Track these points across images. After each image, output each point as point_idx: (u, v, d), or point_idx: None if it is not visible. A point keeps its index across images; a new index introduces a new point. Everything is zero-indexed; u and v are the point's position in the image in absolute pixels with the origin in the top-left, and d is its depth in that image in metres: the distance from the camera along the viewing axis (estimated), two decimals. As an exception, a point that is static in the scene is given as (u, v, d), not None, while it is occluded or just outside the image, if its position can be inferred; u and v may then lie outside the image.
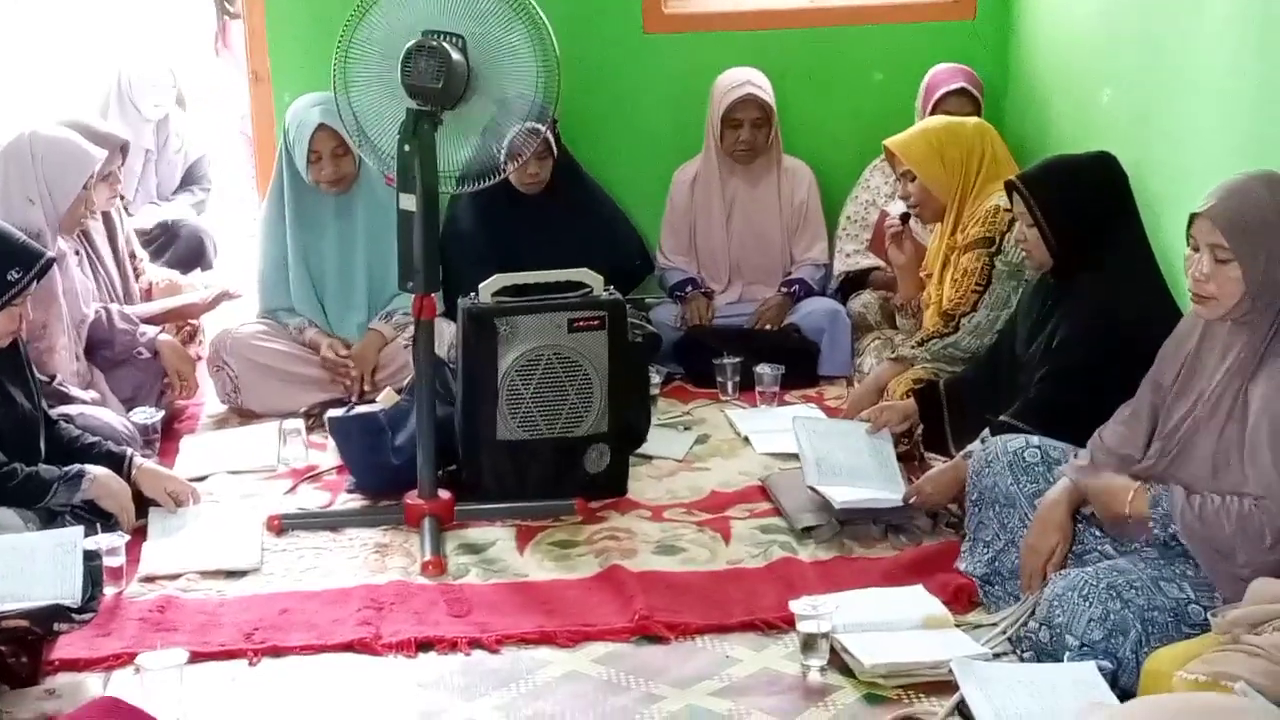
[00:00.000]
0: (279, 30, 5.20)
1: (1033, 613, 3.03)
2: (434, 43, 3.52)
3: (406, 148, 3.64)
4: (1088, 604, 2.83)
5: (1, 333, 3.55)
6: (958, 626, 3.16)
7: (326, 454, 4.28)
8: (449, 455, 3.95)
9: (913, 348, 4.12)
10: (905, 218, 4.39)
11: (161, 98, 5.93)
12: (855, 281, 5.08)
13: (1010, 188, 3.59)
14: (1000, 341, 3.84)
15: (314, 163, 4.59)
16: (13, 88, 6.50)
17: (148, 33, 7.99)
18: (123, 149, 4.73)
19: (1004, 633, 3.11)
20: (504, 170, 3.86)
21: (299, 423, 4.35)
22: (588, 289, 3.94)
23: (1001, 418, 3.47)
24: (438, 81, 3.52)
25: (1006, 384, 3.69)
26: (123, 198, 5.13)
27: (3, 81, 6.39)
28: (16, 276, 3.51)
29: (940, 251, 4.26)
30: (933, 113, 4.90)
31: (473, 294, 3.91)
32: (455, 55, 3.56)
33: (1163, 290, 3.47)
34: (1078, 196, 3.49)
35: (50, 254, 3.68)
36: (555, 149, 4.77)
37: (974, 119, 4.43)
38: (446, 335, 4.35)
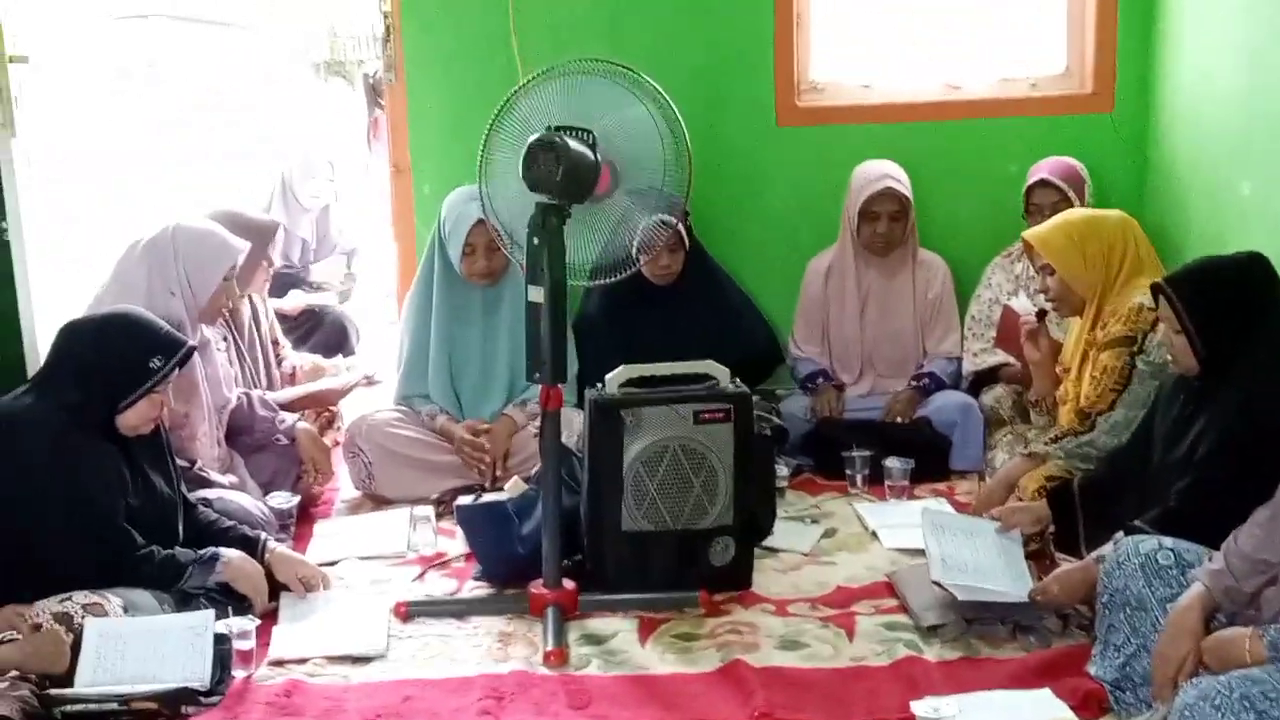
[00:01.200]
0: (420, 124, 5.32)
1: (1164, 721, 2.94)
2: (553, 138, 3.57)
3: (535, 241, 3.69)
4: (1220, 714, 2.72)
5: (143, 419, 3.66)
6: (1086, 733, 3.09)
7: (455, 541, 4.32)
8: (574, 545, 3.96)
9: (1046, 444, 4.04)
10: (1042, 314, 4.33)
11: (319, 188, 6.11)
12: (984, 380, 5.02)
13: (1157, 290, 3.51)
14: (1137, 441, 3.73)
15: (469, 255, 4.67)
16: (187, 181, 6.73)
17: (311, 127, 8.27)
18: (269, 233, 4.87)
19: (1135, 741, 3.03)
20: (636, 263, 3.90)
21: (429, 510, 4.41)
22: (714, 381, 3.95)
23: (1137, 523, 3.37)
24: (555, 175, 3.56)
25: (1142, 485, 3.60)
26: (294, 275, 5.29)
27: (175, 175, 6.62)
28: (158, 365, 3.62)
29: (1079, 347, 4.19)
30: (1026, 207, 4.94)
31: (599, 385, 3.93)
32: (579, 149, 3.60)
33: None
34: (1227, 302, 3.39)
35: (191, 343, 3.79)
36: (687, 241, 4.81)
37: (1117, 213, 4.31)
38: (576, 425, 4.38)
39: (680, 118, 3.70)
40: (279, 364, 5.05)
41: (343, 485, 4.86)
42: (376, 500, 4.73)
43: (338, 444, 5.17)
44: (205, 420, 4.35)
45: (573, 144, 3.61)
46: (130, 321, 3.68)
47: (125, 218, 5.27)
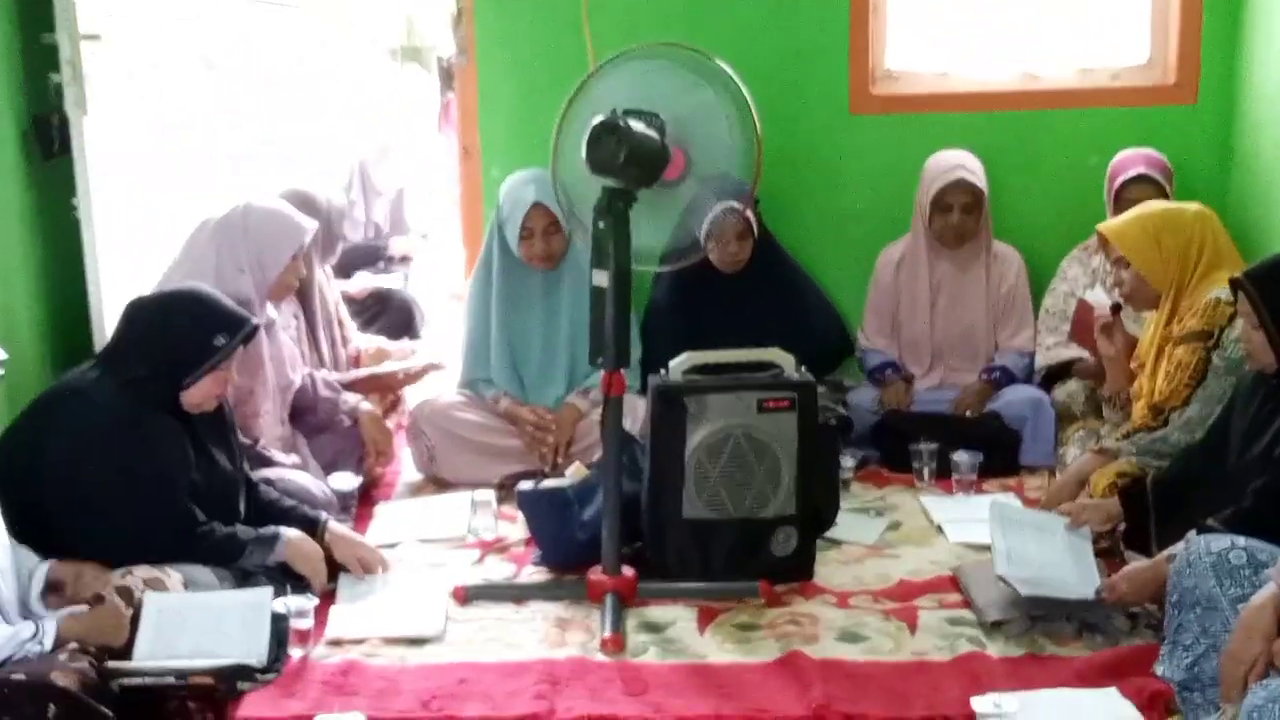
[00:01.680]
0: (490, 106, 5.30)
1: (1233, 723, 2.87)
2: (617, 121, 3.54)
3: (601, 225, 3.66)
4: (1291, 717, 2.66)
5: (207, 396, 3.67)
6: (1151, 733, 3.02)
7: (515, 526, 4.31)
8: (635, 532, 3.93)
9: (1118, 440, 3.96)
10: (1116, 308, 4.25)
11: (392, 173, 6.12)
12: (1057, 374, 4.93)
13: (1236, 285, 3.43)
14: (1212, 438, 3.64)
15: (526, 239, 4.66)
16: (271, 163, 6.76)
17: (386, 111, 8.30)
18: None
19: (1203, 744, 2.95)
20: (704, 249, 3.86)
21: (490, 494, 4.39)
22: (779, 369, 3.90)
23: (1210, 522, 3.29)
24: (617, 158, 3.53)
25: (1217, 484, 3.52)
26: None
27: (249, 158, 6.65)
28: (222, 342, 3.63)
29: (1154, 342, 4.10)
30: (1115, 200, 4.79)
31: (663, 371, 3.90)
32: (643, 133, 3.57)
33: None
34: None
35: (256, 321, 3.80)
36: (756, 228, 4.76)
37: (1193, 205, 4.23)
38: (638, 411, 4.36)
39: (751, 103, 3.66)
40: (344, 345, 5.05)
41: (405, 468, 4.86)
42: (438, 483, 4.73)
43: (401, 427, 5.18)
44: (269, 398, 4.36)
45: (637, 127, 3.58)
46: (196, 298, 3.69)
47: (194, 198, 5.29)
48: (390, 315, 6.20)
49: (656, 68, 3.64)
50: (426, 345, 5.90)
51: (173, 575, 3.45)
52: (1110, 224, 4.18)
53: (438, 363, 5.07)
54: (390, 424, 5.14)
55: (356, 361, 5.06)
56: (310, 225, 4.46)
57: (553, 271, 4.76)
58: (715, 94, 3.66)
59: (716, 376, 3.88)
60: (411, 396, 5.12)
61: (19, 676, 2.87)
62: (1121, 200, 4.69)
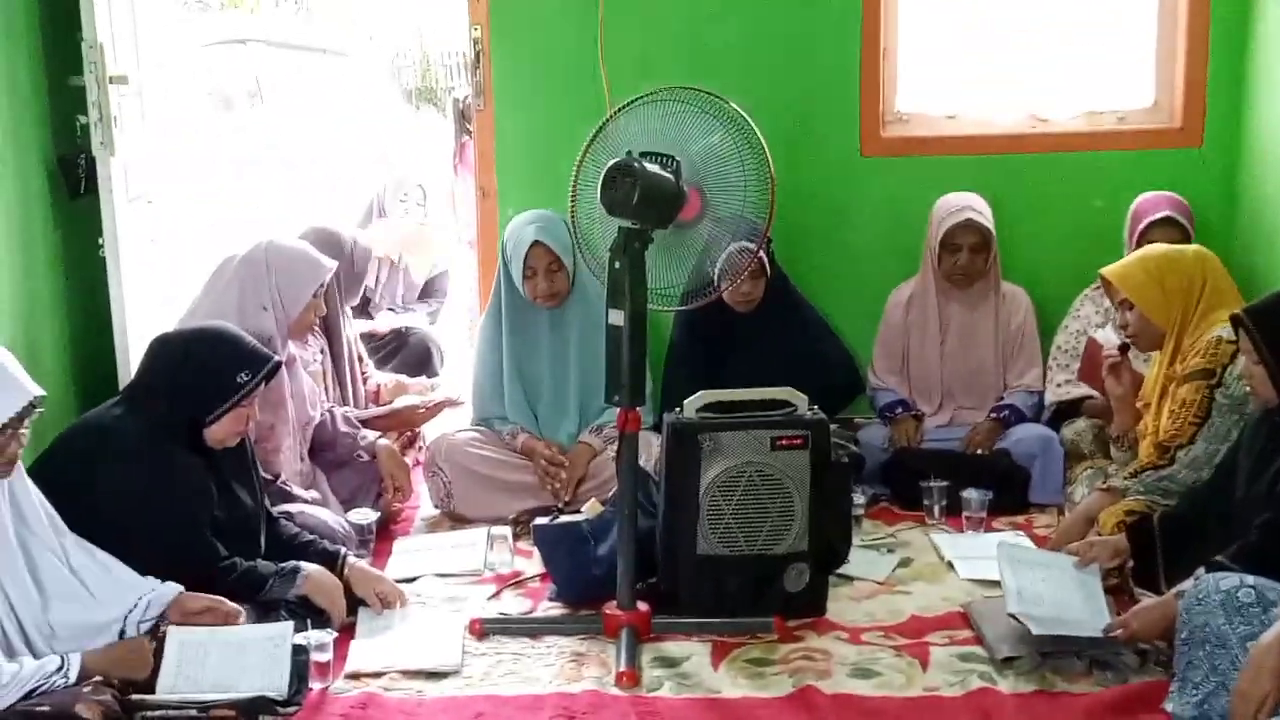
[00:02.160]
0: (506, 148, 5.38)
1: (1242, 761, 2.91)
2: (631, 162, 3.61)
3: (617, 265, 3.73)
4: (1298, 753, 2.71)
5: (229, 432, 3.73)
6: (1161, 771, 3.06)
7: (531, 561, 4.36)
8: (649, 568, 3.98)
9: (1126, 479, 4.01)
10: (1124, 348, 4.31)
11: (409, 211, 6.19)
12: (1066, 412, 4.99)
13: (1236, 322, 3.49)
14: (1219, 476, 3.70)
15: (529, 278, 4.74)
16: (294, 198, 6.85)
17: (402, 151, 8.40)
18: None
19: (1211, 780, 2.99)
20: (717, 289, 3.92)
21: (506, 530, 4.44)
22: (792, 407, 3.96)
23: (1218, 559, 3.34)
24: (631, 199, 3.59)
25: (1224, 521, 3.57)
26: (368, 301, 5.36)
27: (283, 195, 6.73)
28: (245, 379, 3.69)
29: (1158, 381, 4.16)
30: (1139, 242, 4.82)
31: (678, 409, 3.96)
32: (657, 174, 3.64)
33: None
34: None
35: (278, 358, 3.86)
36: (769, 268, 4.83)
37: (1193, 246, 4.32)
38: (653, 449, 4.41)
39: (764, 145, 3.73)
40: (363, 381, 5.12)
41: (422, 503, 4.92)
42: (455, 519, 4.78)
43: (419, 463, 5.24)
44: (290, 435, 4.43)
45: (651, 169, 3.65)
46: (219, 336, 3.76)
47: (219, 238, 5.37)
48: (408, 352, 6.26)
49: (673, 111, 3.72)
50: (444, 382, 5.96)
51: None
52: (1113, 268, 4.25)
53: (455, 398, 5.13)
54: (408, 460, 5.21)
55: (376, 397, 5.13)
56: (331, 264, 4.53)
57: (558, 309, 4.83)
58: (730, 136, 3.73)
59: (730, 415, 3.93)
60: (429, 433, 5.18)
61: (44, 708, 2.93)
62: (1144, 242, 4.74)
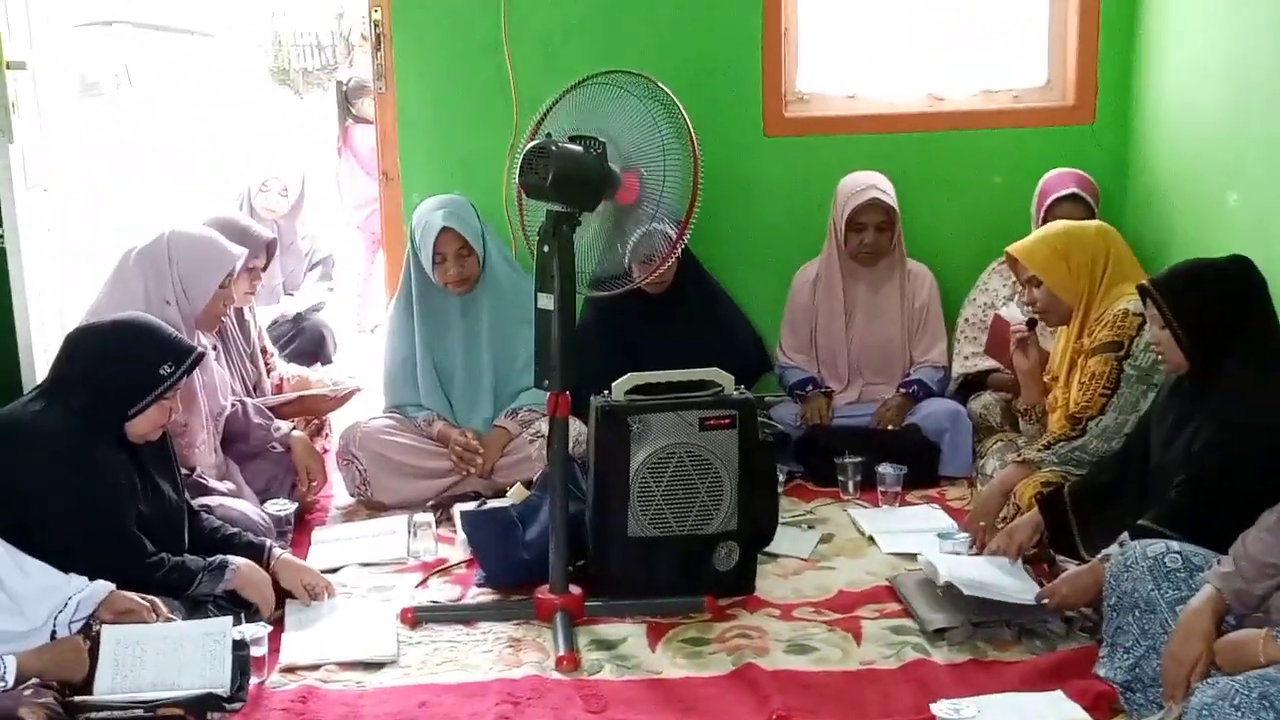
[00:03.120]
0: (409, 132, 5.32)
1: (1179, 720, 3.00)
2: (548, 144, 3.60)
3: (546, 248, 3.72)
4: (1240, 714, 2.78)
5: (152, 425, 3.65)
6: (1099, 733, 3.14)
7: (455, 547, 4.34)
8: (577, 551, 3.98)
9: (1039, 451, 4.09)
10: (1032, 324, 4.39)
11: (273, 201, 6.09)
12: (973, 384, 5.09)
13: (1144, 292, 3.60)
14: (1131, 445, 3.81)
15: (439, 264, 4.71)
16: (163, 188, 6.71)
17: (282, 134, 8.25)
18: (269, 246, 4.86)
19: (1149, 741, 3.08)
20: (631, 273, 3.91)
21: (429, 516, 4.42)
22: (719, 388, 3.98)
23: (1141, 522, 3.44)
24: (545, 181, 3.59)
25: (1139, 488, 3.68)
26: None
27: (151, 181, 6.58)
28: (168, 371, 3.62)
29: (1066, 355, 4.25)
30: (1046, 218, 4.94)
31: (605, 392, 3.95)
32: (575, 156, 3.63)
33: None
34: (1210, 300, 3.49)
35: (201, 349, 3.79)
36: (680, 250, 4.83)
37: (1095, 222, 4.44)
38: (574, 432, 4.40)
39: (690, 128, 3.72)
40: (268, 373, 5.04)
41: (337, 492, 4.86)
42: (371, 507, 4.74)
43: (326, 451, 5.18)
44: (204, 428, 4.35)
45: (571, 150, 3.64)
46: (140, 328, 3.67)
47: (108, 227, 5.24)
48: (302, 340, 6.18)
49: (611, 95, 3.70)
50: (341, 371, 5.89)
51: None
52: (1018, 246, 4.32)
53: (362, 387, 5.07)
54: (316, 449, 5.14)
55: (279, 389, 5.05)
56: (239, 251, 4.44)
57: (469, 295, 4.81)
58: (658, 119, 3.73)
59: (658, 396, 3.95)
60: (337, 421, 5.12)
61: (-14, 713, 2.85)
62: (1051, 217, 4.86)
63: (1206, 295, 3.51)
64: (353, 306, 8.02)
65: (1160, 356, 3.65)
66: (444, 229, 4.69)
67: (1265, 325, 3.52)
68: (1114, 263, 4.20)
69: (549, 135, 3.72)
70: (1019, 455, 4.23)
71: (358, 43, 10.87)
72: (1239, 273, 3.58)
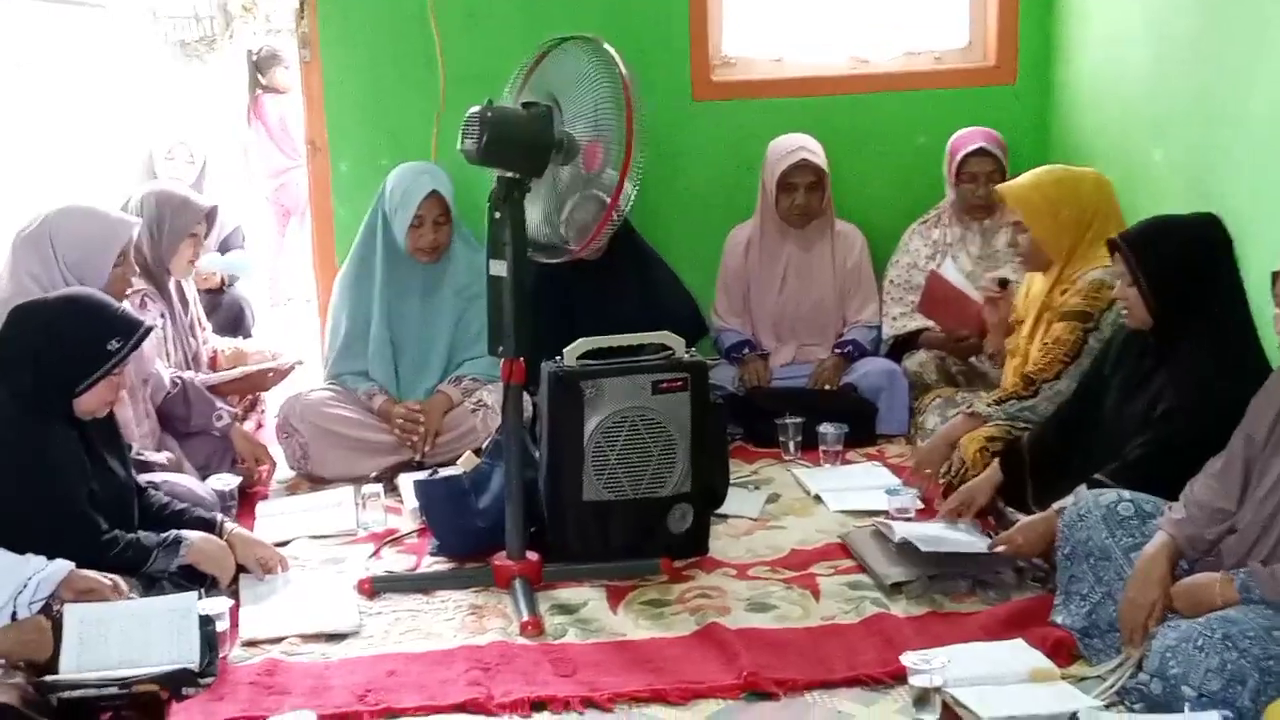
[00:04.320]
0: (336, 102, 5.26)
1: (1139, 665, 3.07)
2: (486, 109, 3.61)
3: (497, 214, 3.71)
4: (1204, 655, 2.86)
5: (101, 402, 3.60)
6: (1062, 679, 3.21)
7: (403, 517, 4.32)
8: (532, 517, 3.98)
9: (989, 405, 4.16)
10: (1004, 283, 4.43)
11: (179, 169, 5.99)
12: (904, 344, 5.16)
13: (1113, 246, 3.65)
14: (1084, 396, 3.86)
15: (415, 228, 4.67)
16: (51, 160, 6.55)
17: (181, 105, 8.09)
18: (209, 215, 4.79)
19: (1112, 685, 3.15)
20: (568, 241, 3.89)
21: (378, 487, 4.38)
22: (670, 350, 4.00)
23: (1097, 476, 3.50)
24: (479, 145, 3.59)
25: (1091, 438, 3.75)
26: None
27: (37, 154, 6.42)
28: (117, 346, 3.56)
29: (1036, 303, 4.25)
30: (958, 174, 5.04)
31: (557, 358, 3.95)
32: (515, 120, 3.66)
33: (1261, 352, 3.52)
34: (1178, 256, 3.55)
35: (149, 323, 3.73)
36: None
37: (1092, 173, 4.36)
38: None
39: (628, 94, 3.67)
40: (204, 345, 4.96)
41: (277, 466, 4.81)
42: (312, 480, 4.71)
43: (261, 426, 5.12)
44: (134, 400, 4.27)
45: (511, 115, 3.64)
46: (86, 303, 3.61)
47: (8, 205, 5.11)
48: (220, 314, 6.08)
49: (575, 60, 3.68)
50: (263, 343, 5.81)
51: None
52: (1012, 188, 4.28)
53: (301, 360, 5.02)
54: (251, 424, 5.09)
55: (213, 363, 4.98)
56: (133, 222, 4.32)
57: (434, 266, 4.77)
58: (603, 85, 3.71)
59: (609, 361, 3.95)
60: (272, 395, 5.07)
61: (-44, 697, 2.79)
62: (963, 173, 4.96)
63: (1175, 251, 3.56)
64: (263, 280, 7.92)
65: (1125, 314, 3.70)
66: (432, 192, 4.65)
67: (1232, 284, 3.57)
68: (1101, 220, 4.17)
69: (490, 100, 3.71)
70: (969, 407, 4.29)
71: (238, 14, 10.73)
72: (1208, 230, 3.62)
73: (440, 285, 4.80)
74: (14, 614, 3.18)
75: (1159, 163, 4.62)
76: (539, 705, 3.22)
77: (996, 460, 3.94)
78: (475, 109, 3.65)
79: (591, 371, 3.91)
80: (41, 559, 3.28)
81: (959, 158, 5.05)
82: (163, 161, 6.00)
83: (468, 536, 4.02)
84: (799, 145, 5.13)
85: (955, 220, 5.14)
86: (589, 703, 3.22)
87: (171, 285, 4.70)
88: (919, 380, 4.95)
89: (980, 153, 5.01)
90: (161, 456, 4.25)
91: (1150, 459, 3.48)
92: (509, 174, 3.71)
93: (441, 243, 4.72)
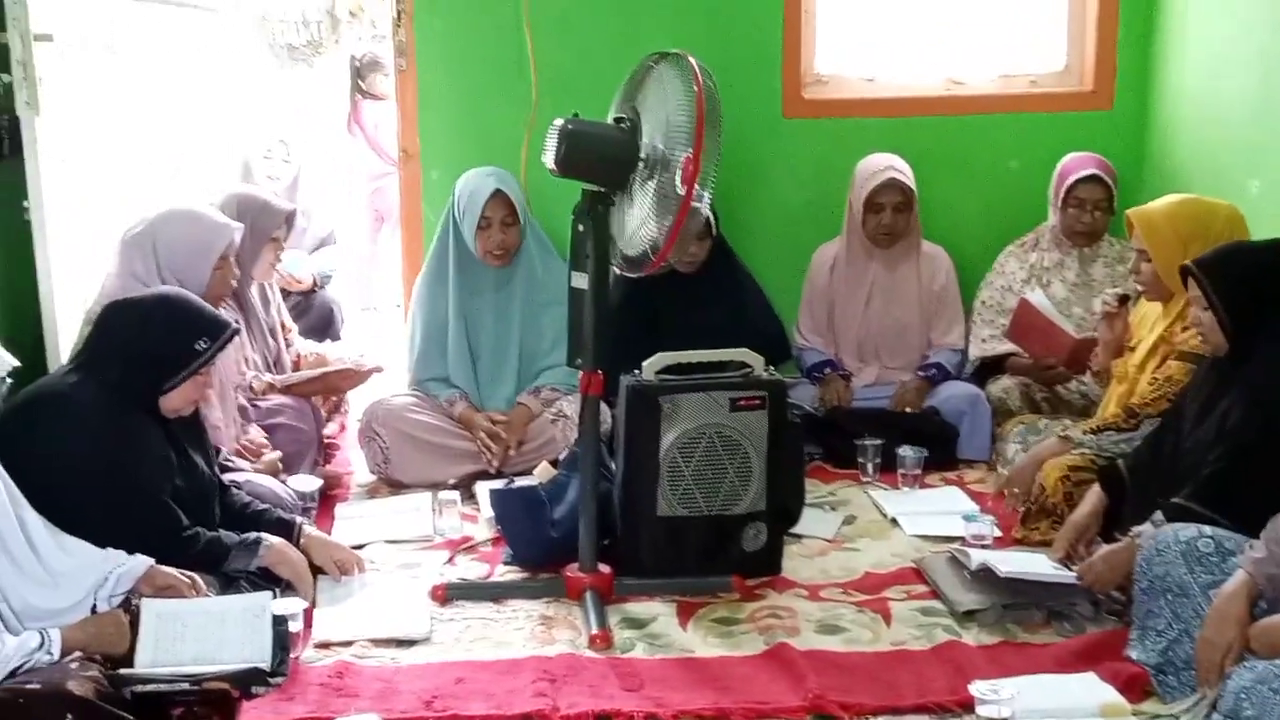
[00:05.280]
0: (430, 109, 5.32)
1: (1214, 705, 3.02)
2: (567, 123, 3.64)
3: (580, 227, 3.73)
4: (1279, 697, 2.82)
5: (186, 400, 3.66)
6: (1134, 716, 3.16)
7: (479, 525, 4.36)
8: (605, 530, 3.98)
9: (1085, 433, 4.09)
10: (1124, 299, 4.34)
11: (275, 168, 6.06)
12: (990, 367, 5.11)
13: (1185, 272, 3.60)
14: (1165, 425, 3.81)
15: (484, 229, 4.71)
16: (156, 158, 6.65)
17: (283, 109, 8.20)
18: (288, 218, 4.85)
19: (1184, 724, 3.11)
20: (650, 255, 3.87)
21: (455, 494, 4.41)
22: (749, 368, 3.99)
23: (1175, 500, 3.46)
24: (554, 157, 3.62)
25: (1170, 468, 3.69)
26: None
27: (144, 153, 6.52)
28: (204, 346, 3.62)
29: (1152, 332, 4.17)
30: (1066, 199, 4.97)
31: (636, 371, 3.96)
32: (594, 134, 3.68)
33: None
34: (1254, 282, 3.51)
35: (237, 325, 3.79)
36: (714, 230, 4.85)
37: (1226, 206, 4.14)
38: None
39: (705, 103, 3.65)
40: (287, 348, 5.03)
41: (357, 469, 4.87)
42: (392, 485, 4.75)
43: (344, 429, 5.19)
44: (225, 405, 4.34)
45: (593, 130, 3.66)
46: (176, 304, 3.67)
47: (123, 200, 5.21)
48: (311, 317, 6.16)
49: (660, 76, 3.67)
50: (350, 348, 5.87)
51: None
52: (1142, 216, 4.16)
53: (382, 366, 5.07)
54: (334, 426, 5.16)
55: (296, 366, 5.04)
56: (235, 227, 4.39)
57: (505, 269, 4.81)
58: (684, 97, 3.69)
59: (688, 376, 3.96)
60: (357, 399, 5.13)
61: (35, 686, 2.85)
62: (1070, 199, 4.89)
63: (1249, 277, 3.52)
64: (356, 284, 8.02)
65: (1201, 339, 3.66)
66: (496, 191, 4.70)
67: None
68: None
69: (575, 114, 3.73)
70: (1064, 430, 4.22)
71: (345, 18, 10.86)
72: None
73: (512, 289, 4.84)
74: (94, 607, 3.24)
75: (1255, 194, 4.54)
76: (604, 718, 3.23)
77: (1098, 486, 3.86)
78: (558, 122, 3.67)
79: (670, 386, 3.91)
80: (122, 554, 3.34)
81: (1069, 182, 4.98)
82: (260, 160, 6.09)
83: (541, 547, 4.04)
84: (887, 165, 5.11)
85: (1054, 245, 5.09)
86: (653, 718, 3.22)
87: (253, 289, 4.76)
88: (1002, 406, 4.90)
89: (1092, 179, 4.95)
90: (247, 465, 4.29)
91: (1222, 475, 3.43)
92: (593, 187, 3.72)
93: (510, 244, 4.75)
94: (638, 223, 3.84)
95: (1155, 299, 4.20)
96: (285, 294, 5.62)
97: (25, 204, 4.35)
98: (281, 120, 7.72)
